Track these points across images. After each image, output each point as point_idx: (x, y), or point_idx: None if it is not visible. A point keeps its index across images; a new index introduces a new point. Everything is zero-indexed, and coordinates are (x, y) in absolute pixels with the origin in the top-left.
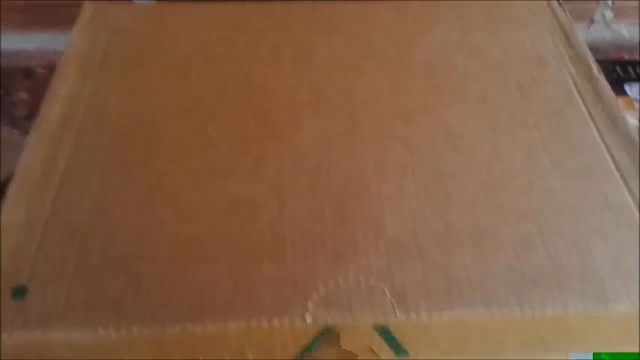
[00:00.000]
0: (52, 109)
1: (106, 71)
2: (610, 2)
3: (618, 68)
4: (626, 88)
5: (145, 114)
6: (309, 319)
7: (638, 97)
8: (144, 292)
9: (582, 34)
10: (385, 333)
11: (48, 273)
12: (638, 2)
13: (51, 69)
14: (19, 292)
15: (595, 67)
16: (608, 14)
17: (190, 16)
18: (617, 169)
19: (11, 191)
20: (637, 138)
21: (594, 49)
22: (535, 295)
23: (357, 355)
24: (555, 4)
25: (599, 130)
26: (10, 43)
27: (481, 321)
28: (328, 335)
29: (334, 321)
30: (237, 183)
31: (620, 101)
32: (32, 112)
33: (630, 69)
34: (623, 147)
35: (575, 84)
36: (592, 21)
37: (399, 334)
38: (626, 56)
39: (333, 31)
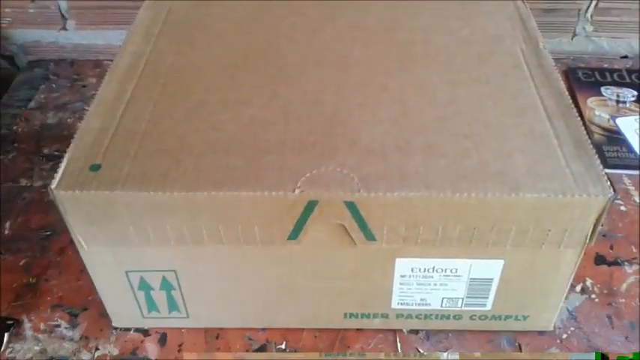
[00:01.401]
0: (122, 59)
1: (163, 37)
2: (589, 16)
3: (597, 73)
4: (602, 89)
5: (190, 66)
6: (297, 192)
7: (612, 98)
8: (181, 171)
9: (567, 45)
10: (352, 208)
11: (115, 158)
12: (616, 18)
13: None
14: (95, 168)
15: (541, 44)
16: (588, 27)
17: (228, 3)
18: (545, 111)
19: (91, 109)
20: (565, 91)
21: (578, 59)
22: (464, 185)
23: (337, 240)
24: (520, 2)
25: (536, 85)
26: (84, 38)
27: (424, 202)
28: (314, 212)
29: (316, 195)
30: (255, 109)
31: (595, 100)
32: None
33: (607, 74)
34: (553, 96)
35: (524, 55)
36: (575, 34)
37: (364, 211)
38: (606, 65)
39: (338, 17)
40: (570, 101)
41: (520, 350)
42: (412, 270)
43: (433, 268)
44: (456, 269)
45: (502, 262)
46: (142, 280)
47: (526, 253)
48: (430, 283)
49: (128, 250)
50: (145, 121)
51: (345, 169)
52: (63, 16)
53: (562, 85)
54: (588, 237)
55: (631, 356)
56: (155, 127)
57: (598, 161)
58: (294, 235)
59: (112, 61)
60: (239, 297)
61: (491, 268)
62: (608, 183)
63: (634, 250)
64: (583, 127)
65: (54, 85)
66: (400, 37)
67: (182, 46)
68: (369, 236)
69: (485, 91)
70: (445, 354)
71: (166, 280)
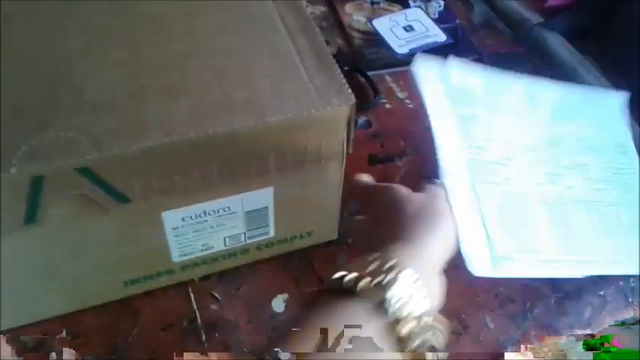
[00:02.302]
0: None
1: None
2: None
3: None
4: None
5: None
6: (14, 170)
7: (367, 0)
8: None
9: None
10: (88, 174)
11: None
12: None
13: None
14: None
15: None
16: None
17: None
18: (286, 28)
19: None
20: (303, 5)
21: None
22: (209, 122)
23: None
24: None
25: (275, 4)
26: None
27: (170, 150)
28: (43, 189)
29: (39, 170)
30: None
31: (352, 5)
32: None
33: None
34: (292, 13)
35: None
36: None
37: (105, 175)
38: None
39: None
40: (308, 15)
41: (312, 265)
42: (183, 220)
43: (204, 212)
44: (229, 207)
45: (271, 189)
46: None
47: (292, 175)
48: (207, 227)
49: None
50: None
51: (69, 131)
52: None
53: (303, 5)
54: (344, 146)
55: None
56: None
57: (338, 72)
58: (30, 218)
59: None
60: None
61: (263, 198)
62: (349, 91)
63: (402, 144)
64: (323, 40)
65: None
66: None
67: None
68: (121, 198)
69: (224, 18)
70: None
71: None
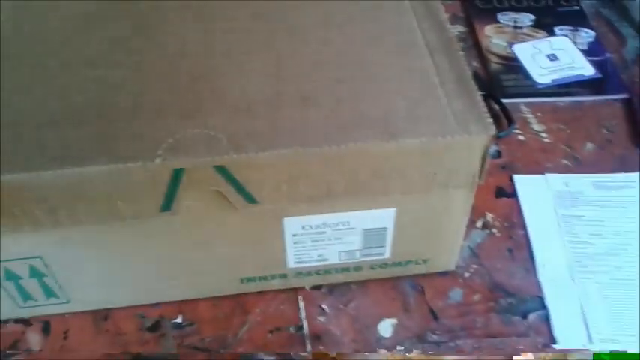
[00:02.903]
0: None
1: None
2: None
3: (494, 0)
4: (499, 16)
5: (28, 20)
6: (158, 161)
7: (509, 24)
8: (21, 147)
9: None
10: (224, 172)
11: None
12: None
13: None
14: None
15: None
16: None
17: None
18: (427, 46)
19: None
20: (447, 23)
21: None
22: (342, 136)
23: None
24: None
25: (417, 19)
26: None
27: (301, 158)
28: (182, 181)
29: (181, 163)
30: (106, 69)
31: (493, 28)
32: None
33: (504, 0)
34: (435, 30)
35: None
36: None
37: (239, 175)
38: None
39: None
40: (451, 33)
41: (423, 293)
42: (303, 228)
43: (324, 223)
44: (348, 222)
45: (394, 210)
46: (6, 271)
47: (416, 199)
48: (324, 238)
49: None
50: None
51: (211, 130)
52: None
53: (444, 16)
54: (477, 176)
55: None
56: None
57: (479, 98)
58: (166, 206)
59: None
60: (122, 275)
61: (384, 218)
62: (490, 120)
63: None
64: (465, 62)
65: None
66: None
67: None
68: (250, 199)
69: (363, 29)
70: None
71: (35, 268)
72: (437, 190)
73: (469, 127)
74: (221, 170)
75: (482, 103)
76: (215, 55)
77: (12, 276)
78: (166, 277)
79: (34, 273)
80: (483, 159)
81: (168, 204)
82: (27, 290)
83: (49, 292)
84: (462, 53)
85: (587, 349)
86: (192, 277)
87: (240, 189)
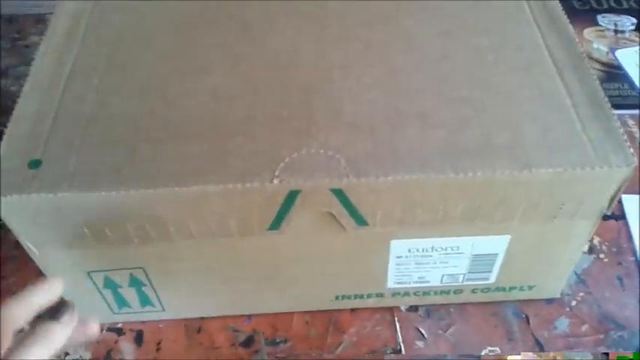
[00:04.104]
0: (59, 22)
1: None
2: None
3: (592, 0)
4: (599, 18)
5: (138, 27)
6: (276, 182)
7: (609, 27)
8: (137, 163)
9: None
10: (340, 195)
11: (58, 150)
12: None
13: None
14: (35, 164)
15: None
16: None
17: None
18: (555, 64)
19: (25, 89)
20: (576, 38)
21: None
22: (467, 162)
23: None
24: None
25: (542, 33)
26: None
27: (422, 184)
28: (296, 202)
29: (298, 185)
30: (216, 77)
31: (593, 32)
32: None
33: (603, 0)
34: (562, 46)
35: None
36: None
37: (354, 198)
38: None
39: None
40: (582, 50)
41: (528, 322)
42: (409, 251)
43: (432, 247)
44: (458, 247)
45: (508, 237)
46: (106, 279)
47: (535, 227)
48: (429, 262)
49: (87, 251)
50: (89, 101)
51: (329, 149)
52: None
53: (571, 30)
54: (605, 207)
55: (631, 356)
56: (102, 108)
57: (618, 123)
58: (275, 225)
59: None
60: (219, 287)
61: (497, 244)
62: (631, 150)
63: None
64: (598, 82)
65: None
66: None
67: (128, 2)
68: (361, 221)
69: (484, 43)
70: None
71: (135, 278)
72: (560, 220)
73: (609, 157)
74: (337, 193)
75: (620, 129)
76: (331, 67)
77: (111, 284)
78: (261, 290)
79: (134, 282)
80: (618, 191)
81: (277, 223)
82: (124, 298)
83: (145, 301)
84: (593, 72)
85: None
86: (287, 291)
87: (353, 211)
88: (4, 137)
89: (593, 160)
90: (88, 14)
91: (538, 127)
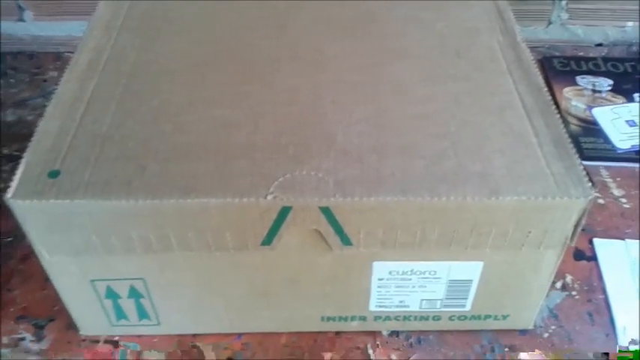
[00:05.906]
0: (82, 56)
1: (124, 31)
2: (564, 4)
3: (572, 62)
4: (578, 79)
5: (154, 62)
6: (270, 198)
7: (588, 87)
8: (146, 177)
9: (542, 34)
10: (327, 213)
11: (75, 163)
12: (591, 5)
13: None
14: (54, 174)
15: (519, 37)
16: (563, 15)
17: None
18: (524, 108)
19: (48, 109)
20: (544, 87)
21: (553, 47)
22: (443, 188)
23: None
24: None
25: (514, 81)
26: (42, 30)
27: (402, 206)
28: (288, 218)
29: (290, 201)
30: (223, 109)
31: (572, 90)
32: None
33: (582, 63)
34: (532, 93)
35: (501, 49)
36: (550, 22)
37: (340, 216)
38: (581, 53)
39: (309, 9)
40: (549, 97)
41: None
42: (390, 273)
43: (411, 270)
44: (435, 271)
45: (481, 263)
46: (108, 289)
47: (506, 255)
48: (409, 285)
49: (92, 259)
50: (106, 123)
51: (319, 172)
52: (20, 6)
53: (541, 80)
54: (569, 238)
55: (631, 356)
56: (117, 129)
57: (579, 161)
58: (267, 240)
59: (73, 53)
60: (212, 303)
61: (471, 270)
62: (590, 184)
63: None
64: (563, 125)
65: (12, 80)
66: (374, 30)
67: (145, 42)
68: (346, 241)
69: (463, 88)
70: None
71: (134, 289)
72: (528, 248)
73: (569, 189)
74: (325, 211)
75: (581, 167)
76: (323, 102)
77: (112, 295)
78: (252, 309)
79: (133, 293)
80: (579, 222)
81: (270, 238)
82: (123, 310)
83: (142, 314)
84: (558, 116)
85: None
86: (277, 311)
87: (339, 230)
88: (28, 149)
89: (555, 191)
90: (109, 50)
91: (507, 160)
